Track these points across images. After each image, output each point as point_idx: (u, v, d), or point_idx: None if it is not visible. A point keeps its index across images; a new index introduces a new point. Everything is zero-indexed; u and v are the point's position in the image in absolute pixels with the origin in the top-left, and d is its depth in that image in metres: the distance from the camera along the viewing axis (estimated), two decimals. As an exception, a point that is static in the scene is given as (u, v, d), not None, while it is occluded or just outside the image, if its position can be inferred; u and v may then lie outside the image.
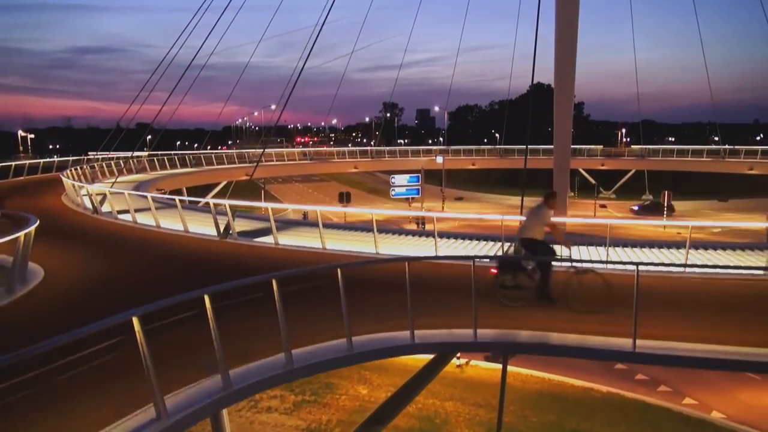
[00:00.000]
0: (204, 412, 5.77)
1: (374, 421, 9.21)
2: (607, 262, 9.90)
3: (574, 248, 13.57)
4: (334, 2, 19.56)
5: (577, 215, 50.64)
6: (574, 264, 9.45)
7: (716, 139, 68.03)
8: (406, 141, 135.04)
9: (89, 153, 50.68)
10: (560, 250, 10.02)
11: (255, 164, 44.98)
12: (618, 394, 16.87)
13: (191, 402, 5.76)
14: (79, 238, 16.72)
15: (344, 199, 43.98)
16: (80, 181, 28.17)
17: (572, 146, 31.07)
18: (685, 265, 9.24)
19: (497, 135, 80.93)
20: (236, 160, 48.60)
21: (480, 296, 7.57)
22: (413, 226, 46.60)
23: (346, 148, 66.02)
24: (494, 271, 9.07)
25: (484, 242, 14.63)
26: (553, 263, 9.22)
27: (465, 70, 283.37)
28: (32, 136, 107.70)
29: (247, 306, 7.68)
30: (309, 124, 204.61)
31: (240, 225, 16.16)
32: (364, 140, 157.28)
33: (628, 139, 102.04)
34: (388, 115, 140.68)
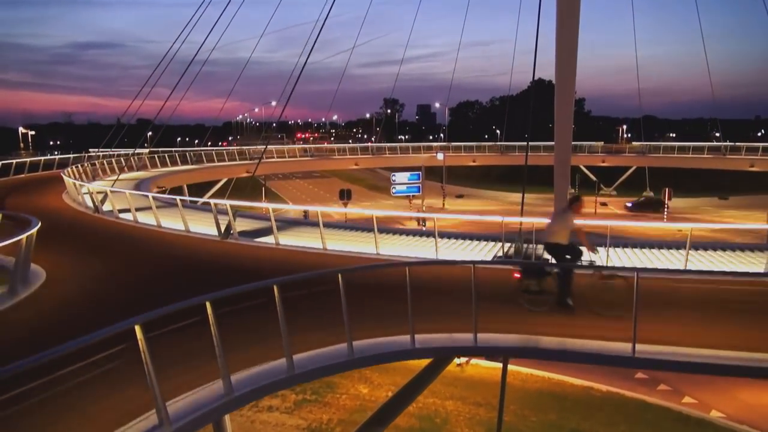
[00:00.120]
0: (206, 418, 5.81)
1: (374, 422, 9.27)
2: (604, 267, 9.78)
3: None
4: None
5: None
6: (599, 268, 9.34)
7: (717, 135, 68.00)
8: (406, 137, 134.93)
9: (90, 150, 50.76)
10: (587, 254, 9.86)
11: (257, 161, 45.12)
12: (618, 394, 16.89)
13: (193, 408, 5.80)
14: (81, 238, 16.77)
15: (345, 196, 43.90)
16: (81, 179, 28.23)
17: (573, 143, 31.08)
18: (684, 271, 9.24)
19: (498, 131, 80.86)
20: (237, 157, 48.63)
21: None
22: (414, 223, 46.68)
23: (346, 145, 66.01)
24: (517, 275, 9.01)
25: (485, 242, 14.67)
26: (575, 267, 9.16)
27: (466, 65, 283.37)
28: (33, 132, 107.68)
29: (248, 311, 7.70)
30: (309, 119, 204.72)
31: (241, 225, 16.20)
32: (365, 136, 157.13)
33: (629, 135, 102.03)
34: (389, 111, 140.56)
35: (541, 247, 13.60)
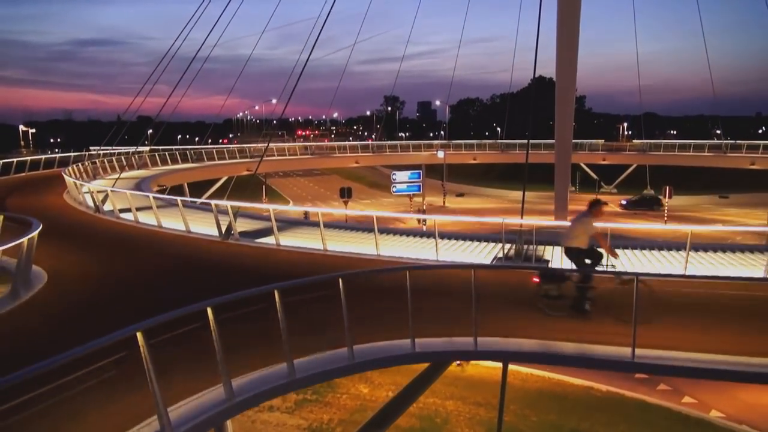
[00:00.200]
0: (208, 423, 5.85)
1: (375, 424, 9.32)
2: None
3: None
4: (336, -3, 19.45)
5: (578, 209, 50.99)
6: (619, 273, 9.32)
7: (718, 132, 67.85)
8: (407, 134, 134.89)
9: (90, 148, 50.76)
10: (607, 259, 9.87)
11: (258, 160, 45.09)
12: (618, 393, 16.93)
13: (195, 414, 5.84)
14: (82, 238, 16.80)
15: (345, 194, 43.87)
16: (82, 178, 28.26)
17: (573, 140, 31.08)
18: (684, 276, 9.24)
19: (498, 129, 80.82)
20: (237, 155, 48.63)
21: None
22: (414, 221, 46.68)
23: (347, 143, 65.99)
24: (536, 279, 8.99)
25: (485, 243, 14.68)
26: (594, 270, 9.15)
27: (467, 62, 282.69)
28: (33, 130, 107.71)
29: (249, 315, 7.72)
30: (310, 117, 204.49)
31: (241, 225, 16.22)
32: (365, 133, 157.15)
33: (630, 133, 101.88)
34: (389, 108, 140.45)
35: (541, 247, 13.68)
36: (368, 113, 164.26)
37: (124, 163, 34.43)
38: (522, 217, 15.96)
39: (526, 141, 27.98)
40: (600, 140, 66.83)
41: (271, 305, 6.55)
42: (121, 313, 9.75)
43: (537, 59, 17.54)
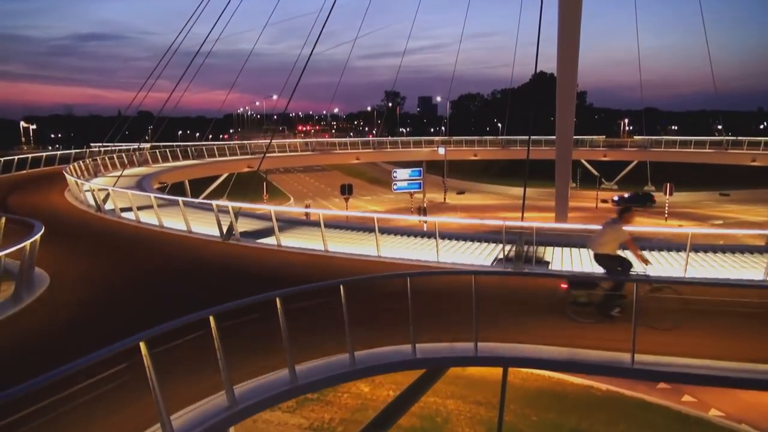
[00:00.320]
0: (211, 431, 5.90)
1: (376, 425, 9.38)
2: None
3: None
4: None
5: (580, 206, 51.09)
6: (650, 279, 9.21)
7: (719, 127, 67.76)
8: (408, 129, 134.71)
9: (91, 144, 50.75)
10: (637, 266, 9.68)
11: (259, 156, 44.98)
12: (618, 392, 17.01)
13: (199, 422, 5.89)
14: (84, 238, 16.84)
15: (346, 191, 43.88)
16: (83, 176, 28.30)
17: (574, 137, 31.00)
18: (683, 282, 9.25)
19: (499, 125, 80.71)
20: (238, 152, 48.59)
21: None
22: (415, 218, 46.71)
23: (347, 139, 65.88)
24: (564, 286, 8.96)
25: (485, 243, 14.70)
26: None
27: (467, 57, 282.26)
28: (34, 126, 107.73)
29: (250, 321, 7.76)
30: (311, 112, 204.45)
31: (243, 225, 16.24)
32: (366, 128, 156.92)
33: (631, 128, 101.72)
34: (390, 104, 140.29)
35: (541, 248, 13.70)
36: (369, 108, 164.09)
37: (125, 161, 34.45)
38: (523, 215, 15.98)
39: (527, 137, 27.82)
40: (601, 136, 66.73)
41: (273, 311, 6.60)
42: (123, 317, 9.81)
43: (538, 54, 17.48)
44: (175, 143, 50.29)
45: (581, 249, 13.87)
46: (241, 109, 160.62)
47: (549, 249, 13.72)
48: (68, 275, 12.33)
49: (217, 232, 15.75)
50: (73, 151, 41.25)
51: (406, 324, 7.52)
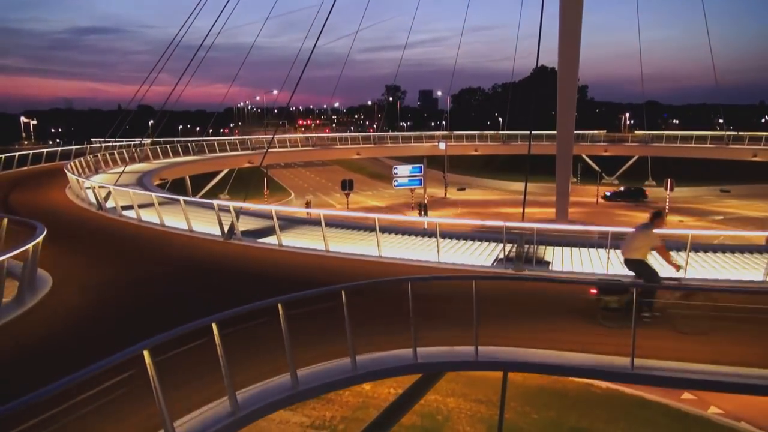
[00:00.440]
0: (215, 437, 5.96)
1: (377, 425, 9.45)
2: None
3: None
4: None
5: (580, 201, 51.06)
6: (681, 285, 9.23)
7: (720, 121, 67.64)
8: (408, 123, 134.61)
9: (92, 139, 50.76)
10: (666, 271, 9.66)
11: (260, 151, 44.98)
12: (617, 391, 17.08)
13: (202, 428, 5.94)
14: (85, 238, 16.88)
15: (347, 187, 43.95)
16: (84, 172, 28.34)
17: (575, 131, 30.96)
18: (682, 287, 9.23)
19: (500, 119, 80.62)
20: (239, 147, 48.61)
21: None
22: (415, 213, 46.72)
23: (348, 134, 65.86)
24: (594, 291, 8.89)
25: (486, 243, 14.74)
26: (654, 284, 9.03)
27: (468, 50, 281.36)
28: (34, 122, 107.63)
29: (252, 326, 7.80)
30: (311, 106, 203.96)
31: (244, 223, 16.29)
32: (367, 122, 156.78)
33: (632, 122, 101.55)
34: (391, 98, 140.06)
35: (542, 248, 13.75)
36: (369, 103, 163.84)
37: (126, 157, 34.47)
38: (523, 214, 16.00)
39: (527, 132, 27.75)
40: (602, 131, 66.66)
41: (275, 316, 6.64)
42: (126, 319, 9.87)
43: (540, 48, 17.44)
44: (175, 139, 50.34)
45: (581, 249, 13.94)
46: (242, 104, 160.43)
47: (549, 249, 13.76)
48: (70, 276, 12.36)
49: (218, 231, 15.79)
50: (73, 147, 41.25)
51: (407, 326, 7.55)
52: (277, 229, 14.88)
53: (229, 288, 11.74)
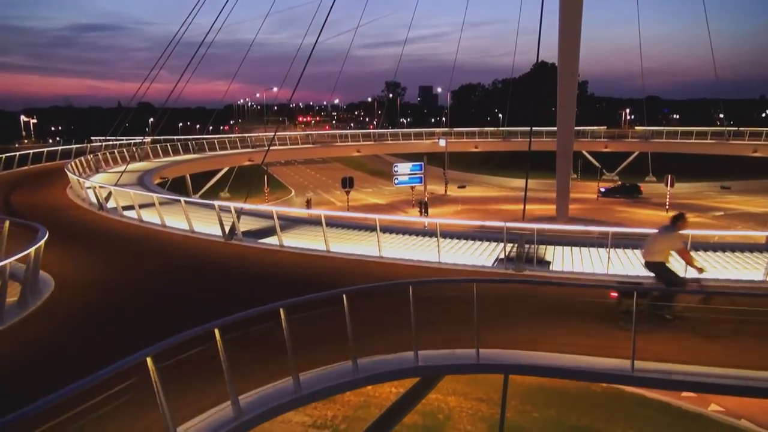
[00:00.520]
0: (217, 442, 6.00)
1: (379, 425, 9.49)
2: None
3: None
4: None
5: (580, 197, 51.07)
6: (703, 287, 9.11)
7: (721, 116, 67.51)
8: (408, 120, 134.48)
9: (92, 138, 50.77)
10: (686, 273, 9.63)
11: (259, 149, 45.00)
12: (618, 389, 17.09)
13: (205, 434, 5.99)
14: (87, 239, 16.90)
15: (347, 184, 43.91)
16: (85, 172, 28.37)
17: (576, 128, 30.93)
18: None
19: (500, 115, 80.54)
20: (239, 145, 48.57)
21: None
22: (415, 210, 46.75)
23: (348, 131, 65.81)
24: (614, 294, 8.77)
25: (487, 242, 14.78)
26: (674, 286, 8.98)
27: (469, 45, 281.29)
28: (35, 120, 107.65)
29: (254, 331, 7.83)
30: (311, 102, 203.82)
31: (245, 224, 16.33)
32: (367, 119, 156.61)
33: (633, 117, 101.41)
34: (390, 95, 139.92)
35: (542, 247, 13.77)
36: (369, 99, 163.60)
37: (126, 156, 34.48)
38: (524, 212, 16.00)
39: (528, 129, 27.72)
40: (602, 127, 66.59)
41: (276, 321, 6.68)
42: (128, 321, 9.93)
43: (540, 42, 17.39)
44: (175, 137, 50.32)
45: (582, 248, 13.96)
46: (242, 101, 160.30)
47: (550, 248, 13.79)
48: (72, 278, 12.40)
49: (219, 232, 15.83)
50: (74, 146, 41.26)
51: (408, 327, 7.58)
52: (278, 229, 14.92)
53: (230, 289, 11.79)
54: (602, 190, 56.30)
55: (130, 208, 19.14)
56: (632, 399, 16.68)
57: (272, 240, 15.27)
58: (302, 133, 67.27)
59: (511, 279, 10.54)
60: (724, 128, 54.73)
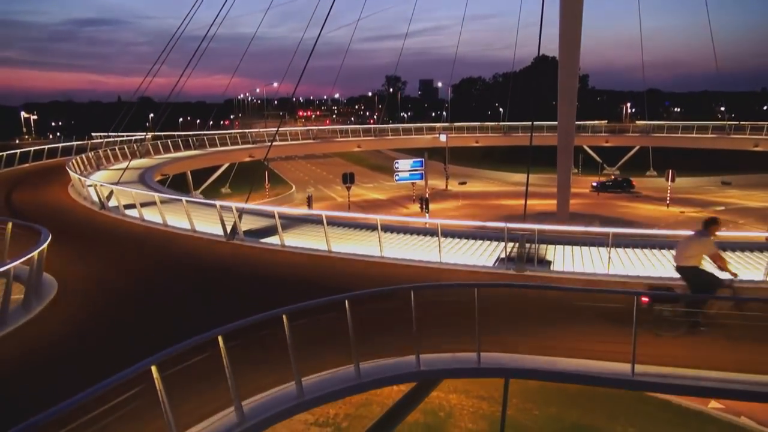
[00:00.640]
0: (221, 449, 6.07)
1: (380, 425, 9.57)
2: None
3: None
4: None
5: (581, 192, 51.04)
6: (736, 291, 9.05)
7: (722, 109, 67.37)
8: (409, 114, 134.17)
9: (93, 134, 50.75)
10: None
11: (262, 145, 44.96)
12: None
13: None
14: (89, 238, 16.94)
15: (348, 180, 43.89)
16: (86, 169, 28.40)
17: (576, 122, 30.89)
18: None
19: (501, 109, 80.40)
20: (239, 140, 48.57)
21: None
22: (416, 206, 46.73)
23: (349, 126, 65.71)
24: (645, 300, 8.58)
25: (488, 242, 14.81)
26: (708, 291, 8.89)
27: (469, 38, 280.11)
28: (35, 117, 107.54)
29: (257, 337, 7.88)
30: (311, 97, 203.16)
31: (246, 223, 16.36)
32: (367, 113, 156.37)
33: (634, 110, 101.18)
34: (391, 89, 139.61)
35: (543, 247, 13.79)
36: (370, 93, 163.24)
37: (127, 152, 34.49)
38: (525, 211, 15.99)
39: (529, 123, 27.59)
40: (603, 121, 66.46)
41: (278, 325, 6.73)
42: (131, 322, 10.00)
43: (541, 35, 17.31)
44: (176, 133, 50.28)
45: (582, 247, 13.99)
46: (242, 95, 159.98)
47: (551, 248, 13.81)
48: (75, 279, 12.46)
49: (221, 231, 15.87)
50: (75, 143, 41.25)
51: (409, 330, 7.63)
52: (280, 229, 14.95)
53: (232, 289, 11.85)
54: (594, 184, 56.10)
55: (132, 206, 19.18)
56: (633, 396, 16.74)
57: (274, 240, 15.31)
58: (303, 128, 67.18)
59: (512, 284, 10.49)
60: (725, 122, 54.62)
